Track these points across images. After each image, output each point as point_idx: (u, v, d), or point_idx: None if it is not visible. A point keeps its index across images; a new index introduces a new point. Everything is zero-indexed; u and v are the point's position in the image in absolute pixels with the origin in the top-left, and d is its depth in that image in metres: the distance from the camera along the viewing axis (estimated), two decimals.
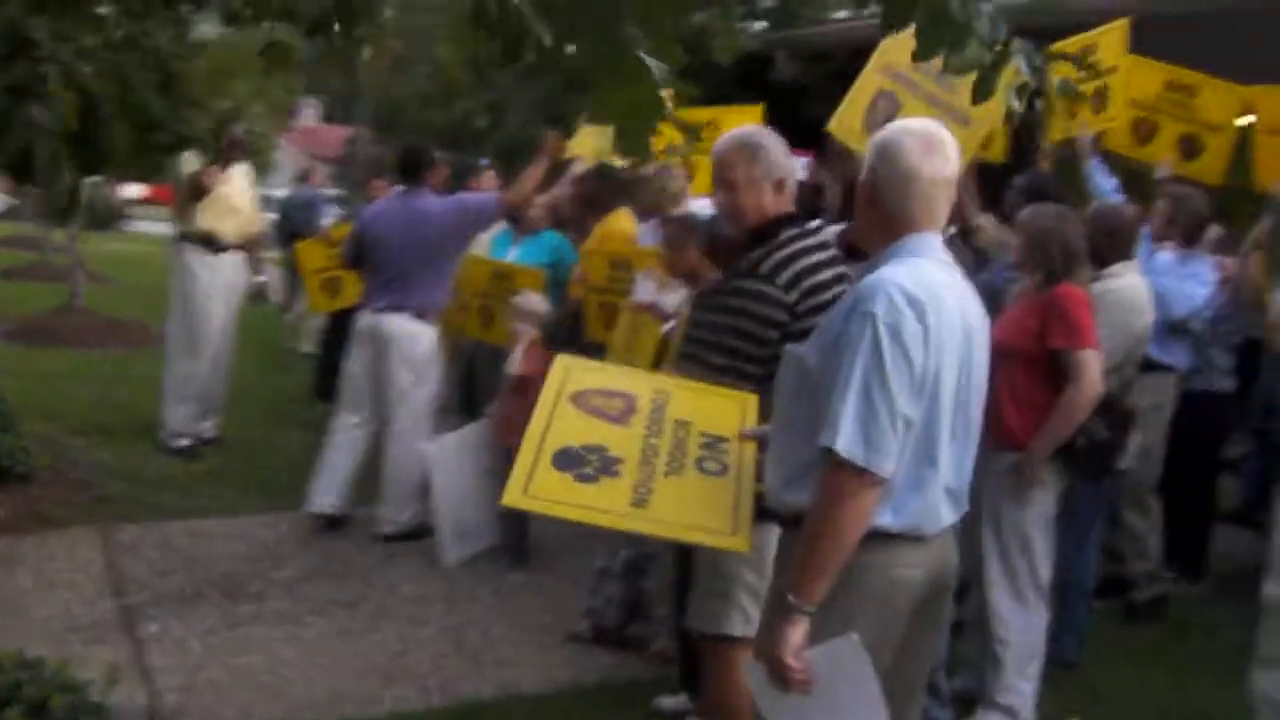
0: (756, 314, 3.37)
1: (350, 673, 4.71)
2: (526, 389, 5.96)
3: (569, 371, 3.19)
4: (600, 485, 2.79)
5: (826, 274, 3.47)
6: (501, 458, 6.03)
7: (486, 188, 8.02)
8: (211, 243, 7.48)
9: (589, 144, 7.67)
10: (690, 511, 2.82)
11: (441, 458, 6.01)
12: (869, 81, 4.61)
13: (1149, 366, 5.30)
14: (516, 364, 6.07)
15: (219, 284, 7.57)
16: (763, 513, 2.98)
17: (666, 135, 5.47)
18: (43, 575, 5.48)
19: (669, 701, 4.53)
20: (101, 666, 4.48)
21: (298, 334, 12.01)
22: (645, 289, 5.57)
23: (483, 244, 7.57)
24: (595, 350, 6.60)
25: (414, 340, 6.30)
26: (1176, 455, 5.85)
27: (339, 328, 8.44)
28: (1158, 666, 5.23)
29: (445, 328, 7.88)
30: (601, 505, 2.76)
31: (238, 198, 7.61)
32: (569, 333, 6.37)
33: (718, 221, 3.76)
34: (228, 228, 7.56)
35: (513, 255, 7.33)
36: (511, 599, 5.65)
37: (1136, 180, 6.44)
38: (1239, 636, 5.64)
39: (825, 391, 2.57)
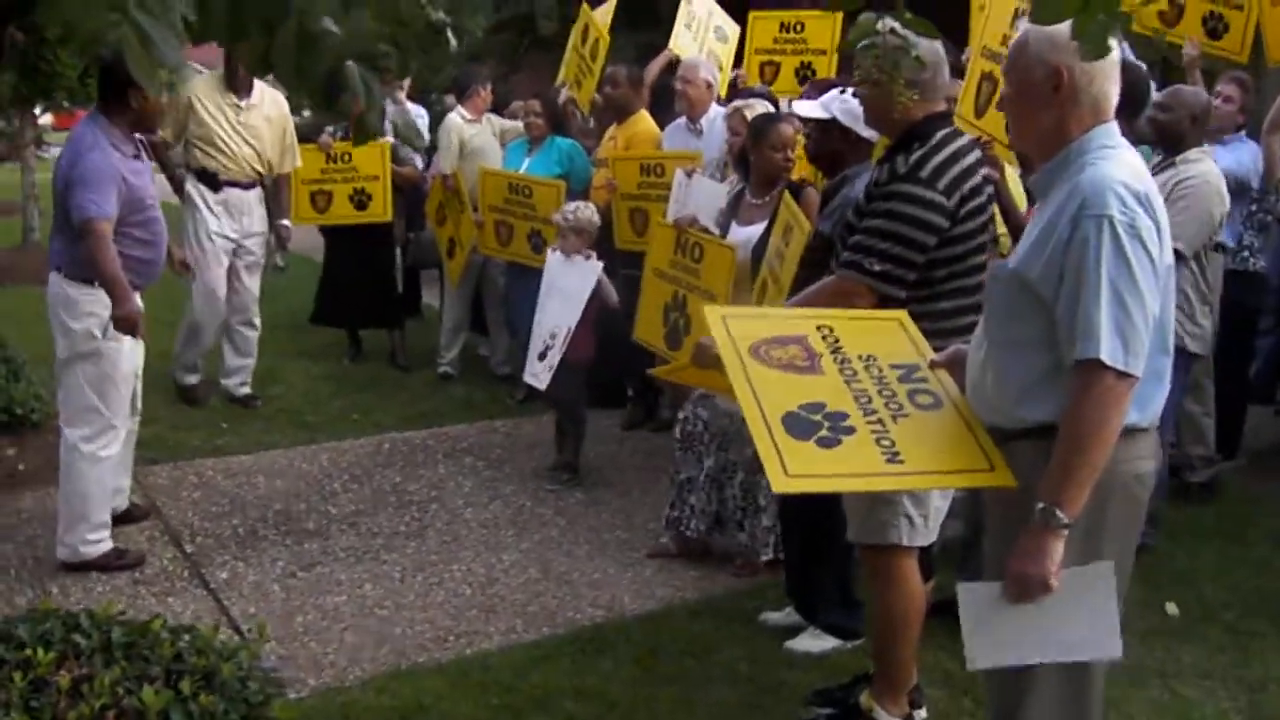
0: (919, 220, 3.28)
1: (446, 608, 4.59)
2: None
3: (729, 324, 3.04)
4: (845, 447, 2.65)
5: (979, 176, 3.39)
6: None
7: (488, 97, 7.75)
8: (210, 180, 6.91)
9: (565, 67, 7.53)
10: (941, 456, 2.70)
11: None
12: (975, 67, 4.64)
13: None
14: None
15: (226, 224, 6.99)
16: None
17: None
18: None
19: (775, 616, 4.50)
20: (188, 619, 4.42)
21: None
22: (701, 194, 5.43)
23: (498, 156, 7.41)
24: (625, 257, 6.49)
25: (69, 305, 4.80)
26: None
27: (336, 249, 8.21)
28: (1230, 545, 5.30)
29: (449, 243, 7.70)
30: (860, 470, 2.64)
31: None
32: (596, 240, 6.21)
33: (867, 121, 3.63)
34: (225, 167, 6.95)
35: (525, 167, 7.14)
36: (580, 518, 5.56)
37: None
38: None
39: (1065, 303, 2.48)
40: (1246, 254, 6.27)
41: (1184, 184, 4.82)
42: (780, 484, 2.58)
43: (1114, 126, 2.62)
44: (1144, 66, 5.32)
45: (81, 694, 2.76)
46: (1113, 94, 2.63)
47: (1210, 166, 4.93)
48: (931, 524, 3.50)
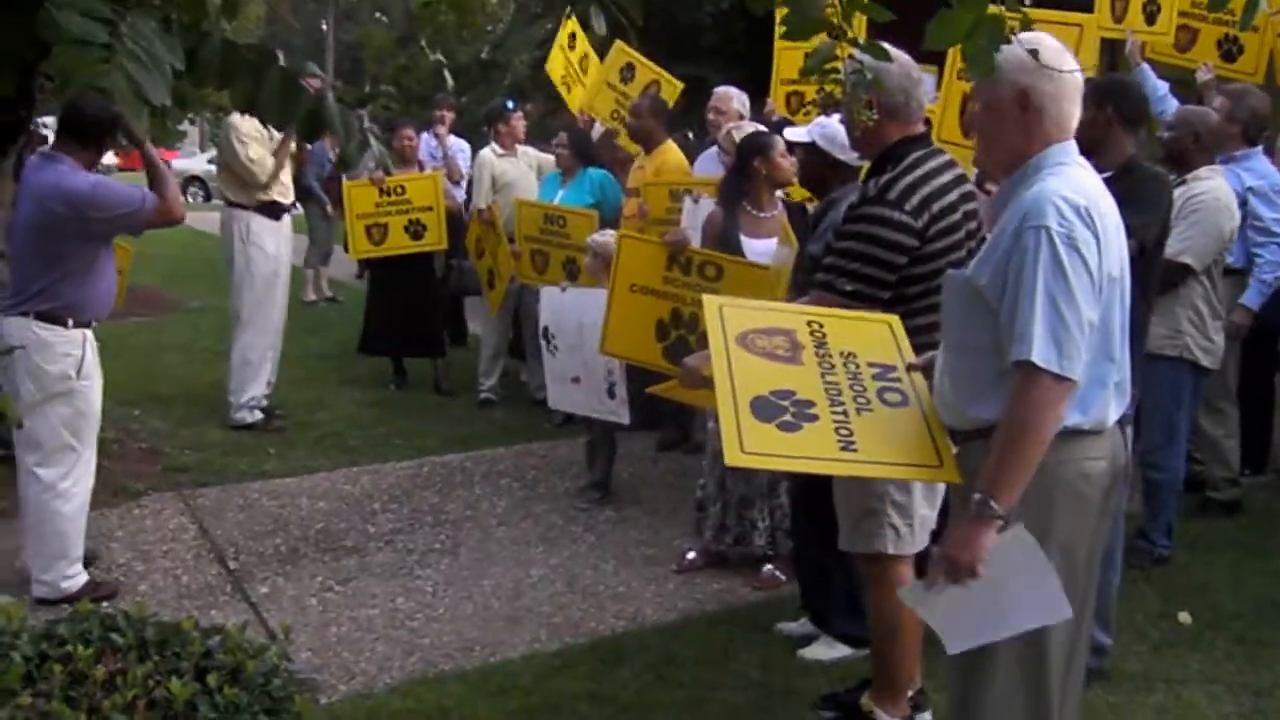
0: (888, 240, 3.40)
1: (474, 619, 4.78)
2: None
3: (724, 313, 3.21)
4: (805, 432, 2.83)
5: (954, 195, 3.50)
6: None
7: (517, 130, 8.02)
8: (274, 210, 7.22)
9: (586, 96, 7.79)
10: (895, 449, 2.86)
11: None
12: (954, 89, 4.81)
13: (1224, 272, 5.34)
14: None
15: (284, 252, 7.39)
16: None
17: None
18: (137, 547, 5.51)
19: (790, 626, 4.62)
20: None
21: (318, 286, 12.29)
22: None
23: (532, 188, 7.66)
24: None
25: (42, 349, 4.78)
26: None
27: (380, 279, 8.47)
28: (1248, 557, 5.36)
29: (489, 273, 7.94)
30: (813, 453, 2.82)
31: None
32: None
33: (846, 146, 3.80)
34: (285, 192, 7.32)
35: (559, 198, 7.37)
36: (609, 535, 5.74)
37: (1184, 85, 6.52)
38: None
39: (1007, 308, 2.64)
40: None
41: (1193, 200, 4.93)
42: (734, 458, 2.76)
43: (1071, 144, 2.77)
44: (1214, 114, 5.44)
45: (116, 686, 2.96)
46: (1073, 114, 2.78)
47: (1220, 183, 5.04)
48: (919, 532, 3.62)
